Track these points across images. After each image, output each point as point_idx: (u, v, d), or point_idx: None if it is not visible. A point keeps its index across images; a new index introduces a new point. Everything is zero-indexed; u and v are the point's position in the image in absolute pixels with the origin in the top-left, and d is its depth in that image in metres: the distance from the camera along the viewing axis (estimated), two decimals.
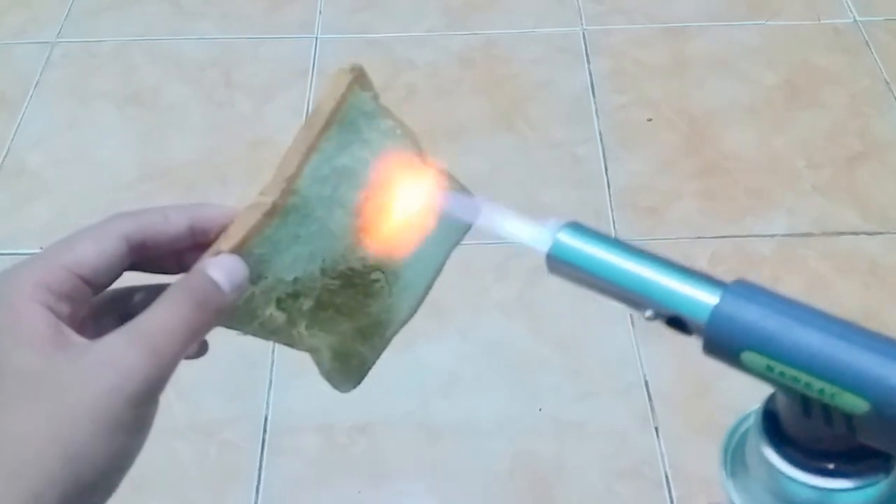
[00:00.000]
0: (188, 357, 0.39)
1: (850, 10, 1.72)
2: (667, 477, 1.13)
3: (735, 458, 0.38)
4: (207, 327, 0.37)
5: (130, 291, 0.41)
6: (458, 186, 0.44)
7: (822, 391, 0.31)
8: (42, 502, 0.32)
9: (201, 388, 1.21)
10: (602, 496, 1.12)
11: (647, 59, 1.65)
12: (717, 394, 1.18)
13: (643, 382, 1.22)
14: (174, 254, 0.40)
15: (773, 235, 1.37)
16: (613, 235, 0.37)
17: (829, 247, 1.35)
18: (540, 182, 1.45)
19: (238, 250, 0.38)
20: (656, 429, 1.17)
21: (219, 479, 1.15)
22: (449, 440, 1.18)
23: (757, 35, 1.69)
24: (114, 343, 0.34)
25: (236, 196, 1.38)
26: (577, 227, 0.37)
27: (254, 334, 0.41)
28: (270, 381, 1.21)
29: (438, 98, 1.60)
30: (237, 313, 0.39)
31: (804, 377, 0.32)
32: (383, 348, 0.45)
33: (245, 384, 1.22)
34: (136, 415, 0.34)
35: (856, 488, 0.34)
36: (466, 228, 0.45)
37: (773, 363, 0.32)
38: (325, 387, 0.45)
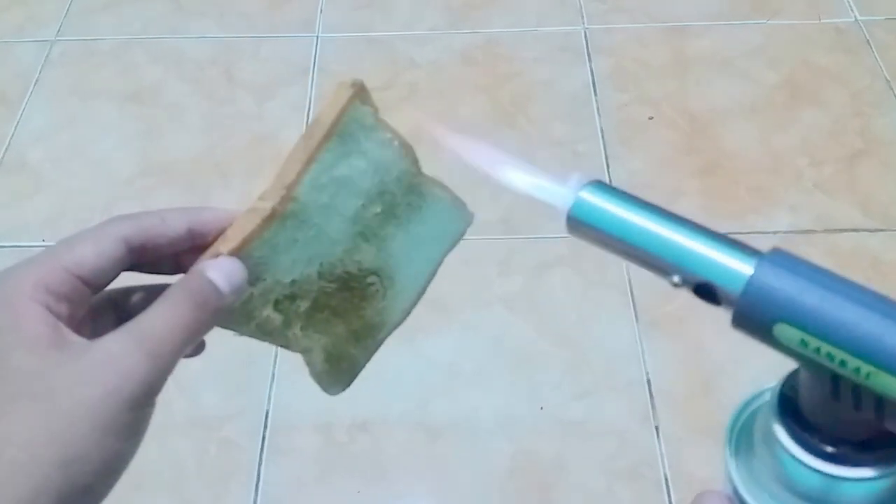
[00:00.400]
0: (185, 356, 0.39)
1: (852, 10, 1.72)
2: (666, 479, 1.13)
3: (740, 440, 0.37)
4: (206, 328, 0.38)
5: (128, 291, 0.41)
6: (451, 195, 0.45)
7: (857, 370, 0.30)
8: None
9: (201, 385, 1.21)
10: (602, 497, 1.12)
11: (649, 57, 1.65)
12: (719, 393, 1.17)
13: (645, 380, 1.21)
14: (172, 256, 0.40)
15: (775, 232, 1.36)
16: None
17: (831, 244, 1.35)
18: None
19: (237, 253, 0.39)
20: (656, 428, 1.17)
21: (218, 476, 1.15)
22: (449, 438, 1.17)
23: (758, 34, 1.69)
24: (113, 344, 0.34)
25: (237, 193, 1.38)
26: (601, 186, 0.35)
27: (250, 335, 0.42)
28: (272, 378, 1.21)
29: (440, 96, 1.59)
30: (234, 314, 0.40)
31: (840, 354, 0.30)
32: (374, 351, 0.46)
33: (246, 381, 1.22)
34: (134, 417, 0.34)
35: (873, 478, 0.33)
36: (460, 234, 0.46)
37: (808, 337, 0.30)
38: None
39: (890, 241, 1.35)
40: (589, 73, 1.63)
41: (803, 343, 0.31)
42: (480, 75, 1.63)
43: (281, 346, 0.43)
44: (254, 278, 0.40)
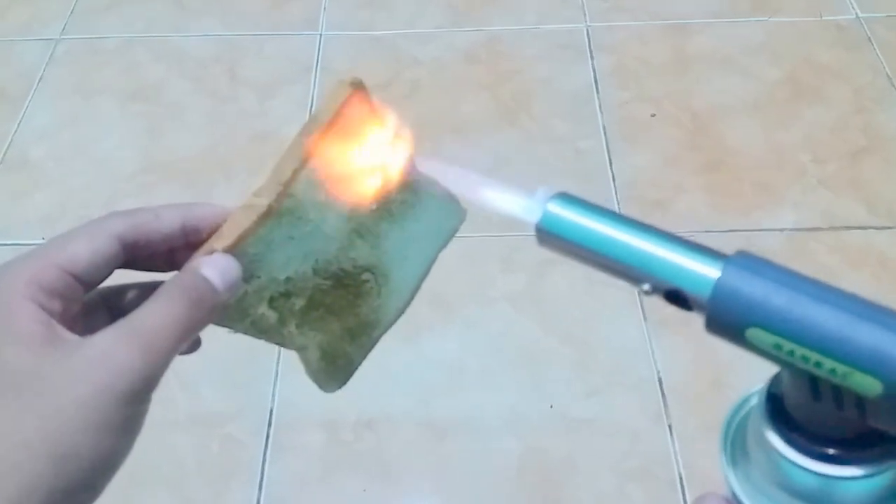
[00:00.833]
0: (180, 353, 0.39)
1: (853, 7, 1.72)
2: (681, 478, 1.12)
3: (735, 443, 0.36)
4: (200, 325, 0.37)
5: (122, 289, 0.41)
6: (444, 192, 0.44)
7: (833, 371, 0.30)
8: (29, 502, 0.32)
9: (205, 382, 1.21)
10: (614, 497, 1.11)
11: (650, 55, 1.65)
12: (730, 390, 1.17)
13: (656, 378, 1.21)
14: (167, 252, 0.40)
15: (781, 230, 1.36)
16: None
17: (838, 241, 1.35)
18: (544, 176, 1.45)
19: (232, 250, 0.39)
20: (670, 426, 1.16)
21: (221, 474, 1.14)
22: (455, 437, 1.17)
23: (760, 31, 1.69)
24: (106, 340, 0.34)
25: (239, 191, 1.37)
26: (567, 198, 0.35)
27: (244, 332, 0.41)
28: (276, 375, 1.21)
29: (442, 94, 1.59)
30: (229, 311, 0.40)
31: (814, 356, 0.30)
32: (370, 349, 0.46)
33: (249, 378, 1.22)
34: (128, 414, 0.34)
35: (864, 476, 0.32)
36: (454, 231, 0.46)
37: (781, 341, 0.30)
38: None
39: None
40: (591, 70, 1.63)
41: (777, 346, 0.31)
42: (483, 73, 1.63)
43: (276, 343, 0.43)
44: (248, 275, 0.40)
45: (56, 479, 0.32)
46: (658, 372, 1.21)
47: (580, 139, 1.51)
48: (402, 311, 0.46)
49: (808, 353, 0.30)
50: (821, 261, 1.32)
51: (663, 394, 1.19)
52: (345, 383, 0.46)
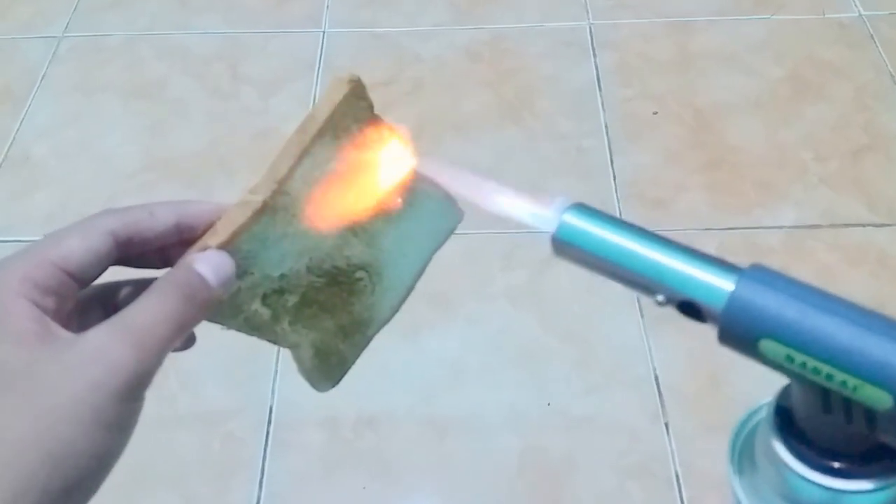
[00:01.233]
0: (175, 350, 0.39)
1: (855, 5, 1.72)
2: (677, 476, 1.12)
3: (743, 454, 0.37)
4: (194, 321, 0.37)
5: (117, 286, 0.41)
6: (441, 192, 0.44)
7: (843, 383, 0.30)
8: (22, 502, 0.31)
9: (205, 380, 1.21)
10: (612, 495, 1.11)
11: (653, 53, 1.65)
12: (729, 388, 1.17)
13: (653, 376, 1.21)
14: (160, 250, 0.40)
15: (781, 227, 1.36)
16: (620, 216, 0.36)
17: (837, 238, 1.34)
18: (546, 174, 1.45)
19: (226, 246, 0.39)
20: (666, 424, 1.16)
21: (222, 471, 1.14)
22: (455, 434, 1.17)
23: (762, 29, 1.69)
24: (99, 337, 0.34)
25: (241, 188, 1.37)
26: (583, 208, 0.36)
27: (238, 329, 0.41)
28: (276, 373, 1.21)
29: (445, 91, 1.59)
30: (222, 308, 0.40)
31: (825, 368, 0.30)
32: (363, 347, 0.46)
33: (249, 376, 1.22)
34: (122, 410, 0.34)
35: (871, 490, 0.33)
36: (450, 231, 0.46)
37: (792, 353, 0.30)
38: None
39: None
40: (594, 68, 1.63)
41: (789, 358, 0.31)
42: (485, 71, 1.63)
43: (269, 341, 0.43)
44: (242, 272, 0.40)
45: (50, 478, 0.32)
46: (655, 369, 1.21)
47: (582, 137, 1.51)
48: (396, 310, 0.46)
49: (819, 365, 0.30)
50: (820, 258, 1.32)
51: (660, 392, 1.19)
52: (338, 382, 0.46)
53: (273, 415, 1.19)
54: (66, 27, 1.75)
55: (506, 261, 1.33)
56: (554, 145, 1.50)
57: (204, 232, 0.39)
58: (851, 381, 0.30)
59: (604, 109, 1.55)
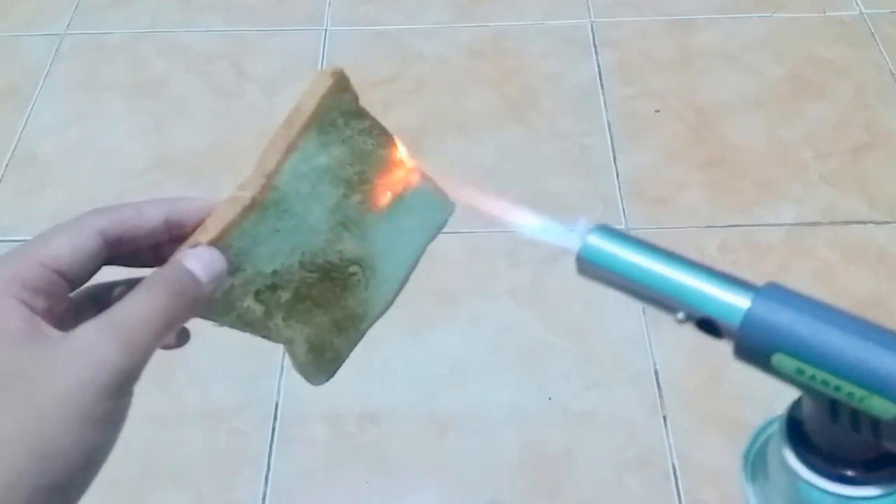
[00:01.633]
0: (170, 347, 0.40)
1: (856, 3, 1.72)
2: (674, 468, 1.13)
3: (756, 464, 0.38)
4: (183, 318, 0.37)
5: (110, 286, 0.41)
6: (433, 185, 0.44)
7: (850, 395, 0.31)
8: (10, 500, 0.31)
9: (211, 376, 1.21)
10: (611, 488, 1.12)
11: (655, 51, 1.66)
12: (726, 384, 1.18)
13: (653, 371, 1.22)
14: (151, 248, 0.40)
15: (781, 225, 1.37)
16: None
17: (837, 236, 1.35)
18: (548, 172, 1.46)
19: (216, 243, 0.39)
20: (664, 418, 1.17)
21: (228, 466, 1.15)
22: (457, 430, 1.17)
23: (763, 27, 1.69)
24: (86, 334, 0.34)
25: None
26: (606, 230, 0.38)
27: (231, 326, 0.41)
28: (281, 369, 1.22)
29: (447, 89, 1.60)
30: (215, 305, 0.40)
31: (833, 380, 0.32)
32: (357, 341, 0.46)
33: (255, 372, 1.22)
34: (110, 407, 0.34)
35: (878, 496, 0.34)
36: (442, 223, 0.46)
37: (803, 366, 0.32)
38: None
39: None
40: (595, 66, 1.63)
41: (800, 371, 0.32)
42: (487, 69, 1.64)
43: (263, 336, 0.43)
44: (234, 268, 0.40)
45: (38, 476, 0.32)
46: (654, 365, 1.22)
47: (585, 135, 1.51)
48: (389, 304, 0.46)
49: (828, 377, 0.32)
50: (820, 255, 1.33)
51: (659, 387, 1.20)
52: (332, 376, 0.46)
53: (278, 411, 1.19)
54: (68, 25, 1.75)
55: (509, 259, 1.33)
56: (556, 143, 1.50)
57: (194, 229, 0.39)
58: (858, 393, 0.31)
59: (606, 108, 1.56)
